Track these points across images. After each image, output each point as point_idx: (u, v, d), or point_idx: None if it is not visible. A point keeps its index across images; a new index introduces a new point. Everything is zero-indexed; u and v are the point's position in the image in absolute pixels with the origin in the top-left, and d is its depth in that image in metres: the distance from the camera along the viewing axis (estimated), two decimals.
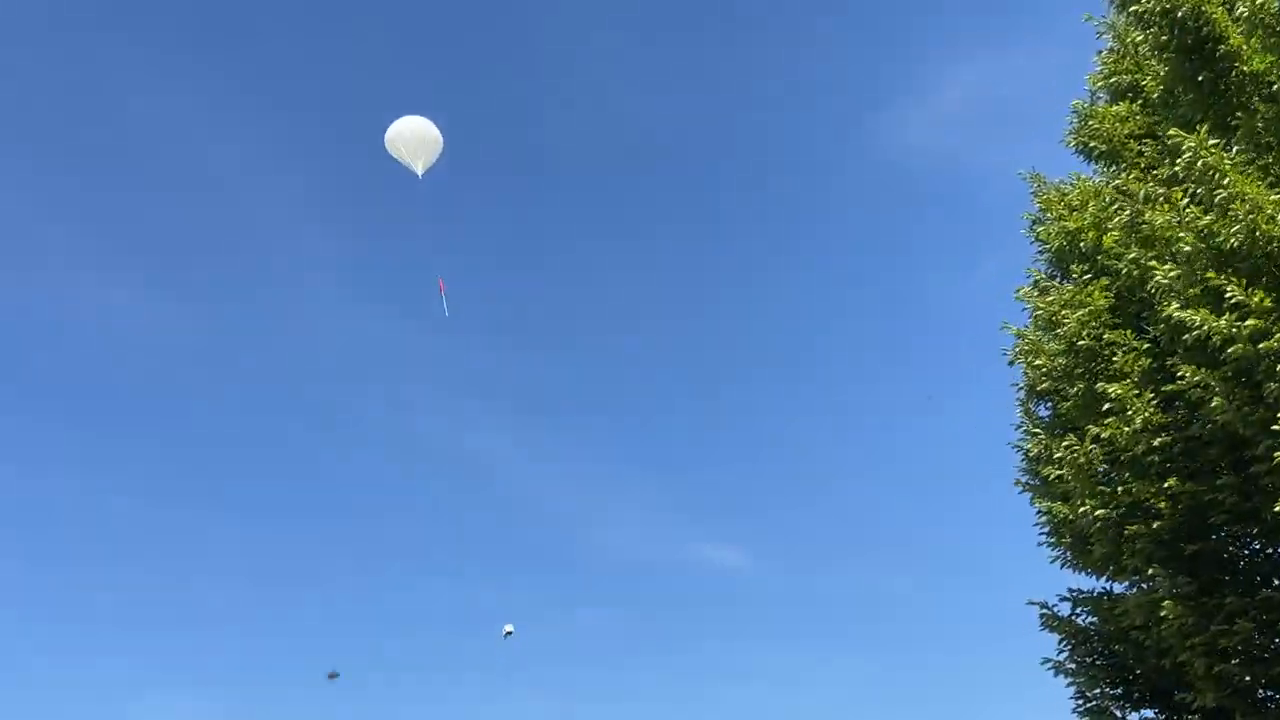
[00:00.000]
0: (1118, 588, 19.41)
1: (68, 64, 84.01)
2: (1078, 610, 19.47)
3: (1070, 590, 19.59)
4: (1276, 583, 17.27)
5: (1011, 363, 20.09)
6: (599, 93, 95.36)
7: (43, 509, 78.10)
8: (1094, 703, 19.01)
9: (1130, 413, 17.17)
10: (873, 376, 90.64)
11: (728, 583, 77.42)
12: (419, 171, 30.06)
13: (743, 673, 69.57)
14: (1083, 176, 20.63)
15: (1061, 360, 18.43)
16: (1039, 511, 19.49)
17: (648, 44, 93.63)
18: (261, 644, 73.72)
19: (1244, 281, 15.67)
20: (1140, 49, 19.36)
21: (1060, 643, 19.44)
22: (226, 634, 74.50)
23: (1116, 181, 19.16)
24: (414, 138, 29.94)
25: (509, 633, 34.10)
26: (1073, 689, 19.25)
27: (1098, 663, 19.07)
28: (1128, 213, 17.85)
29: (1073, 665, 19.23)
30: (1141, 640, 17.65)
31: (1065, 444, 17.88)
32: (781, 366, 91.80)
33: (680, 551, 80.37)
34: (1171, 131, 16.99)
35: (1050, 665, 19.36)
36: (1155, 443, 17.01)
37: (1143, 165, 19.15)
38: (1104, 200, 19.19)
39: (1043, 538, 19.79)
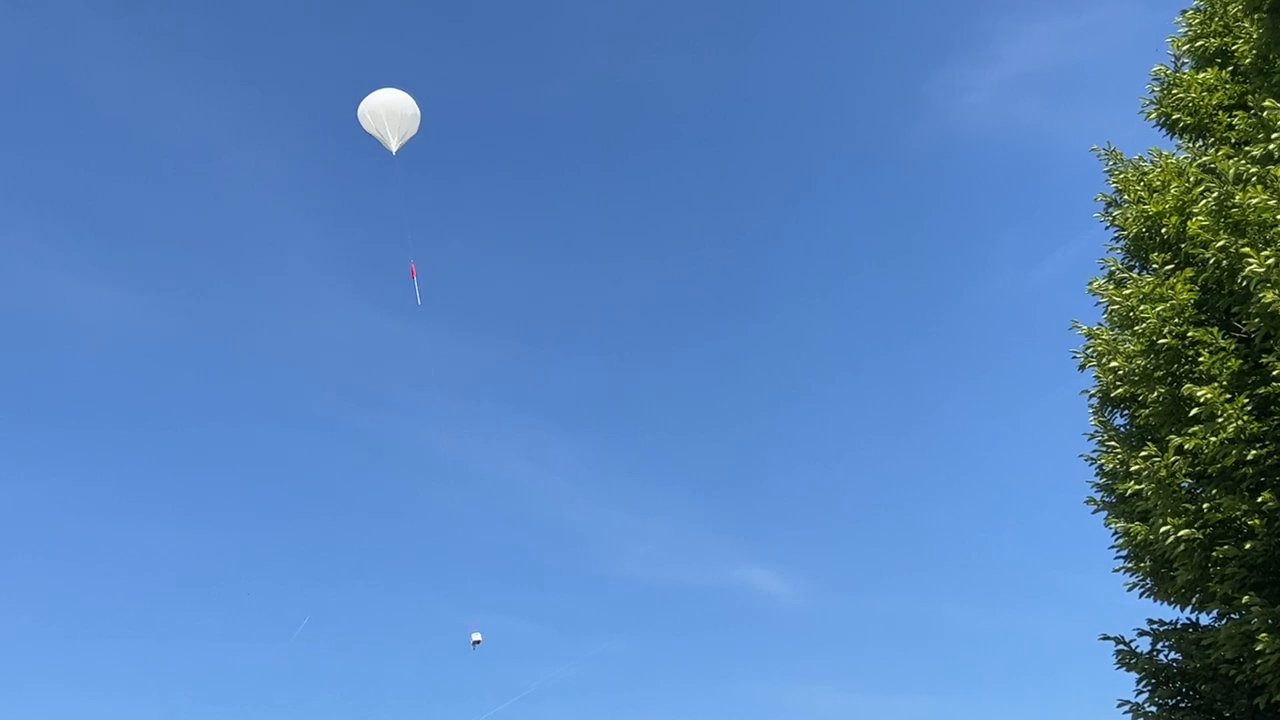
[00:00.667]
0: (1204, 619, 17.33)
1: (33, 48, 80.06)
2: (1159, 645, 17.33)
3: (1150, 622, 17.56)
4: None
5: (1083, 366, 17.90)
6: (621, 56, 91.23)
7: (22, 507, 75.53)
8: None
9: (1220, 420, 15.04)
10: (931, 383, 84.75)
11: (767, 609, 71.45)
12: (393, 148, 28.46)
13: (782, 710, 64.87)
14: (1165, 153, 18.47)
15: (1140, 361, 16.29)
16: (1115, 533, 17.36)
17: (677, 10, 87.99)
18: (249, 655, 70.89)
19: None
20: (1230, 9, 17.18)
21: (1139, 682, 17.32)
22: (203, 638, 71.39)
23: (1204, 159, 16.97)
24: (388, 111, 28.34)
25: (477, 641, 32.58)
26: None
27: (1182, 705, 16.87)
28: (1216, 194, 15.67)
29: (1153, 708, 17.08)
30: (1233, 677, 15.53)
31: (1144, 455, 15.68)
32: (828, 372, 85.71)
33: (714, 574, 74.09)
34: (1268, 102, 14.97)
35: (1128, 708, 17.20)
36: (1248, 454, 14.87)
37: (1233, 140, 17.02)
38: (1189, 180, 17.06)
39: (1119, 562, 17.66)
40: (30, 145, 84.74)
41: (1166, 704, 17.04)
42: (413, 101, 28.87)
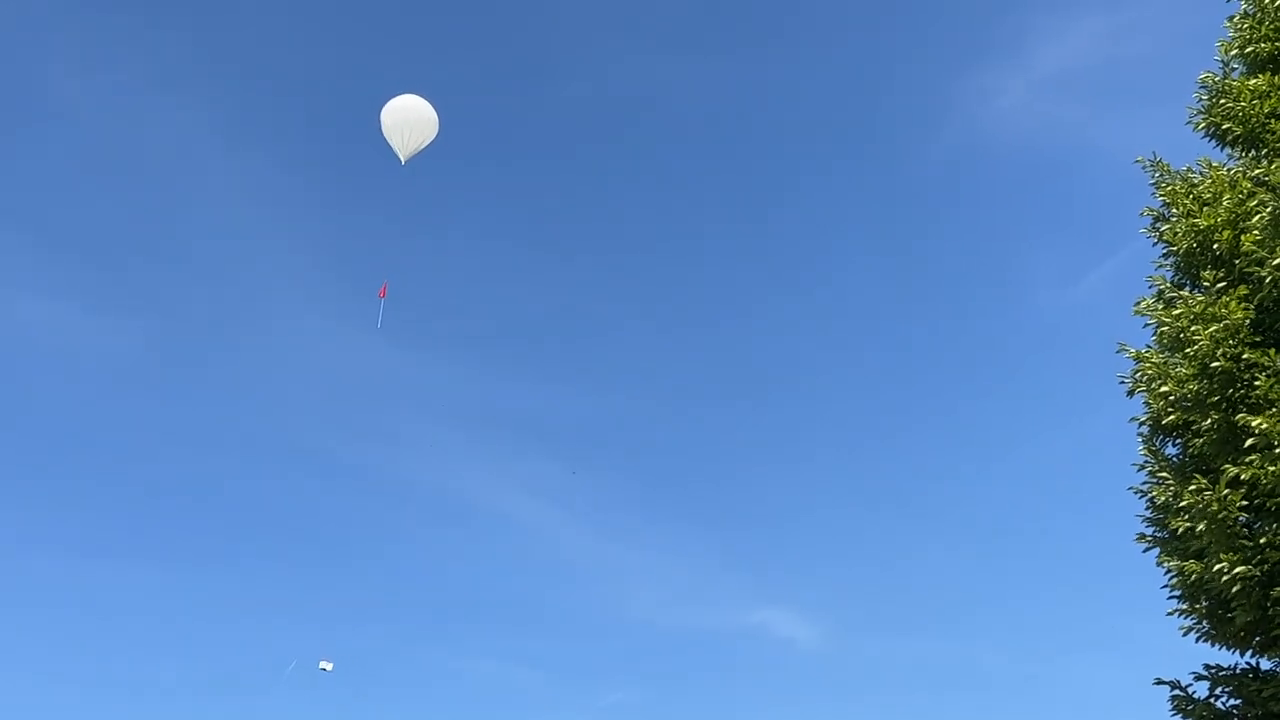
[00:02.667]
0: (1265, 663, 15.72)
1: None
2: (1217, 690, 15.71)
3: (1207, 667, 15.90)
4: None
5: (1131, 392, 16.42)
6: (638, 60, 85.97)
7: None
8: None
9: (1278, 449, 13.51)
10: (962, 412, 79.39)
11: (786, 653, 66.76)
12: (403, 157, 27.65)
13: None
14: (1215, 164, 17.01)
15: (1192, 386, 14.80)
16: (1167, 571, 15.80)
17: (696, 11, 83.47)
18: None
19: None
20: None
21: None
22: (159, 703, 63.27)
23: (1257, 171, 15.51)
24: (410, 122, 27.60)
25: (325, 669, 31.31)
26: None
27: None
28: (1271, 208, 14.25)
29: None
30: None
31: (1194, 489, 14.21)
32: (847, 399, 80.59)
33: (729, 616, 68.52)
34: None
35: None
36: None
37: None
38: (1242, 193, 15.60)
39: (1173, 602, 16.09)
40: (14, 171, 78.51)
41: None
42: (434, 114, 28.02)
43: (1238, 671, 15.87)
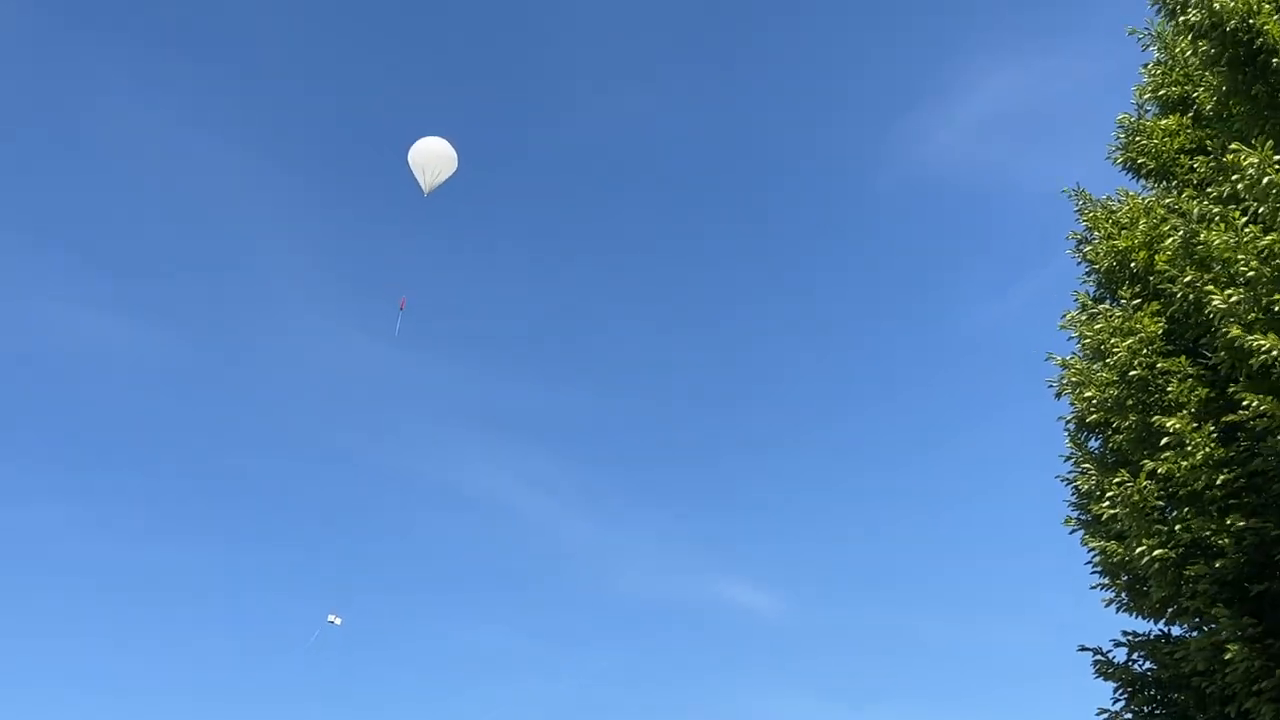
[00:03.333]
0: (1175, 630, 17.59)
1: (44, 81, 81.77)
2: (1134, 655, 17.56)
3: (1124, 634, 17.73)
4: None
5: (1059, 395, 18.21)
6: (613, 103, 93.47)
7: (18, 537, 75.01)
8: None
9: (1189, 447, 15.36)
10: (905, 410, 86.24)
11: (748, 622, 72.33)
12: (425, 189, 29.86)
13: (763, 718, 65.48)
14: (1131, 193, 18.80)
15: (1113, 391, 16.56)
16: (1090, 551, 17.61)
17: (661, 54, 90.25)
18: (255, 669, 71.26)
19: None
20: (1191, 60, 17.54)
21: (1116, 690, 17.51)
22: (196, 670, 71.16)
23: (1169, 200, 17.34)
24: (434, 159, 29.89)
25: (333, 623, 33.25)
26: None
27: (1156, 712, 17.11)
28: (1182, 232, 16.00)
29: (1129, 716, 17.30)
30: (1204, 687, 15.78)
31: (1118, 480, 16.00)
32: (807, 397, 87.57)
33: (698, 589, 75.57)
34: (1234, 146, 15.26)
35: (1106, 716, 17.43)
36: (1217, 479, 15.18)
37: (1195, 182, 17.33)
38: (1155, 218, 17.40)
39: (1095, 579, 17.94)
40: (43, 180, 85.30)
41: (1142, 711, 17.30)
42: (454, 153, 30.36)
43: (1151, 638, 17.67)
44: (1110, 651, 17.63)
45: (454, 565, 79.28)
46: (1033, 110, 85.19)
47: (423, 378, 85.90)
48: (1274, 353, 13.94)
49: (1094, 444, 18.51)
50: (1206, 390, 15.72)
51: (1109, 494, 16.22)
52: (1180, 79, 18.36)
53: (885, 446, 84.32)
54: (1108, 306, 17.45)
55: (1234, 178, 15.29)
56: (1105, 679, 17.56)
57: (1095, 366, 17.30)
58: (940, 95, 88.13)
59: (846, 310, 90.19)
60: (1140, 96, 19.00)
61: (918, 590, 73.49)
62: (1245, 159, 14.84)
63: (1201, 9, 16.06)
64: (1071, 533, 18.15)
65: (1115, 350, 16.44)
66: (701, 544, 79.59)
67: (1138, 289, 17.22)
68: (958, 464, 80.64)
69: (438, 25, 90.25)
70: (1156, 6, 17.95)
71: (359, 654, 72.09)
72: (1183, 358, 16.03)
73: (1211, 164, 16.46)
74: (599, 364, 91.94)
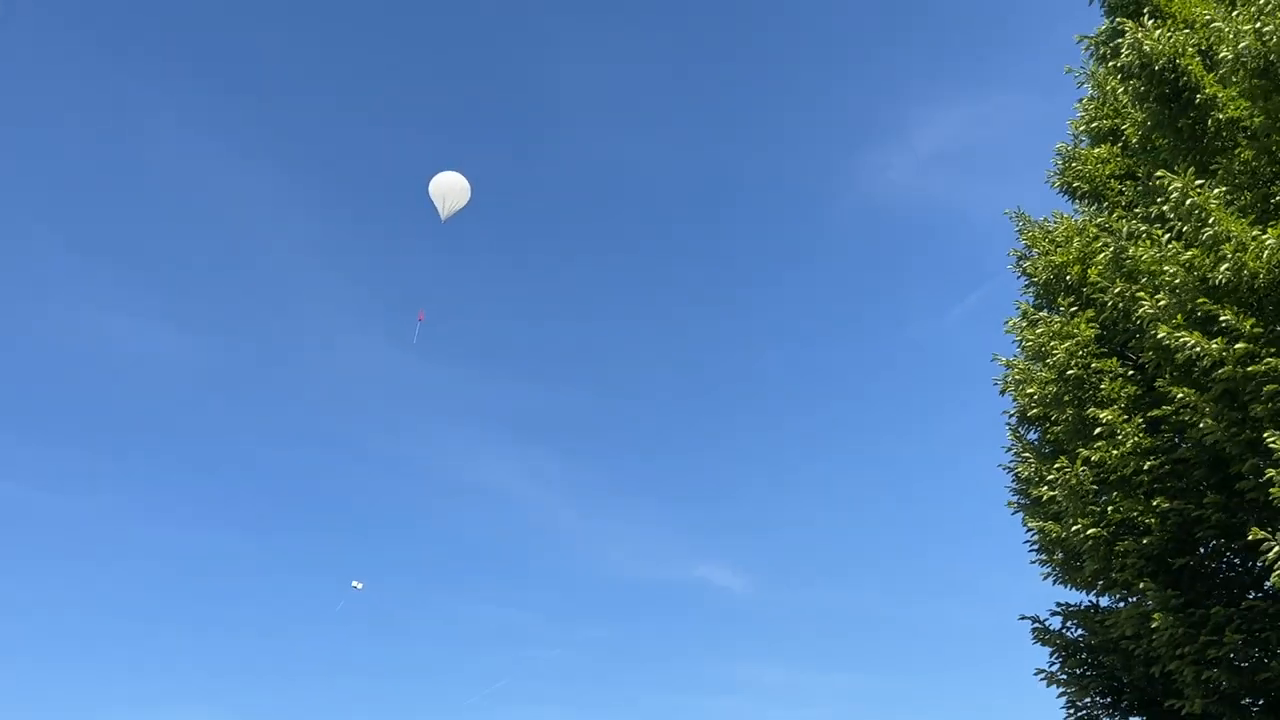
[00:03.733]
0: (1104, 601, 19.36)
1: (85, 100, 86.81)
2: (1067, 624, 19.33)
3: (1059, 604, 19.47)
4: (1260, 594, 17.14)
5: (1003, 392, 19.99)
6: (595, 141, 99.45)
7: (58, 527, 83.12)
8: (1084, 711, 18.86)
9: (1120, 436, 17.11)
10: (862, 411, 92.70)
11: (723, 600, 79.28)
12: (443, 216, 33.01)
13: (737, 687, 70.44)
14: (1064, 215, 20.62)
15: (1051, 388, 18.27)
16: (1030, 530, 19.36)
17: (646, 94, 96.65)
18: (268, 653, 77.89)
19: (1233, 309, 15.63)
20: (1120, 97, 19.39)
21: (1051, 655, 19.28)
22: (236, 643, 79.31)
23: (1100, 220, 19.12)
24: (451, 190, 33.16)
25: (356, 588, 35.46)
26: (1064, 699, 19.10)
27: (1088, 674, 18.88)
28: (1112, 248, 17.76)
29: (1064, 676, 19.05)
30: (1131, 650, 17.49)
31: (1057, 466, 17.73)
32: (777, 398, 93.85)
33: (679, 571, 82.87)
34: (1159, 172, 16.81)
35: (1043, 676, 19.19)
36: (1144, 465, 16.94)
37: (1123, 204, 19.16)
38: (1088, 236, 19.18)
39: (1034, 555, 19.68)
40: (97, 207, 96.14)
41: (1075, 673, 19.05)
42: (467, 185, 33.17)
43: (1083, 608, 19.45)
44: (1047, 620, 19.42)
45: (461, 549, 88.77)
46: (974, 147, 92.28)
47: (433, 380, 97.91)
48: (1197, 348, 15.66)
49: (1032, 436, 20.28)
50: (1135, 388, 17.48)
51: (1049, 479, 17.91)
52: (1110, 113, 20.17)
53: (845, 441, 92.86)
54: (1047, 314, 19.06)
55: (1159, 200, 17.03)
56: (1042, 644, 19.33)
57: (1035, 367, 19.02)
58: (894, 132, 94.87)
59: (809, 320, 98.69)
60: (1075, 129, 20.82)
61: (875, 571, 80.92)
62: (1170, 183, 16.59)
63: (1133, 52, 17.81)
64: (1014, 514, 19.93)
65: (1055, 352, 18.07)
66: (682, 530, 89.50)
67: (1073, 299, 18.87)
68: (909, 457, 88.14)
69: (457, 69, 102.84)
70: (1090, 51, 19.78)
71: (377, 627, 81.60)
72: (1114, 359, 17.74)
73: (1139, 188, 18.28)
74: (592, 368, 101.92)
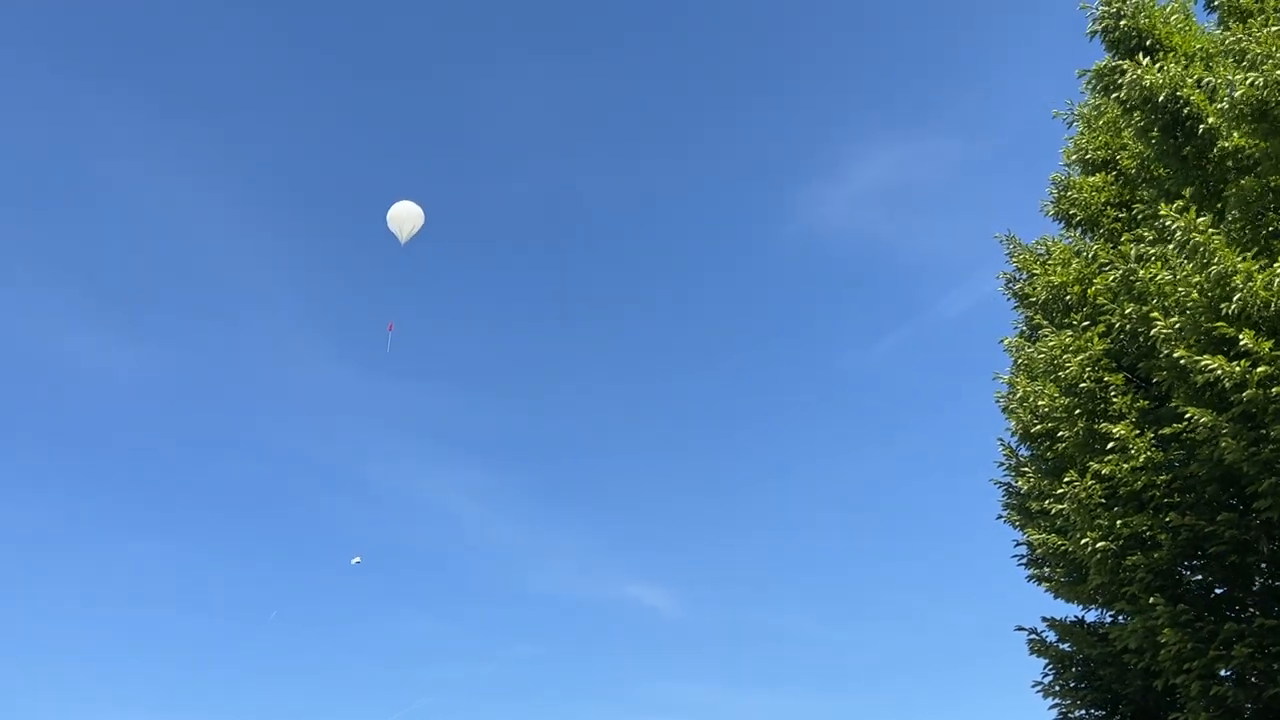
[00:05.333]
0: (1089, 616, 18.96)
1: (36, 114, 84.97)
2: (1058, 637, 18.81)
3: (1044, 619, 18.99)
4: (1274, 610, 16.76)
5: (1006, 410, 19.39)
6: (536, 170, 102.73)
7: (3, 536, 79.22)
8: None
9: (1132, 450, 16.61)
10: (790, 435, 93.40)
11: (651, 620, 79.45)
12: (402, 241, 34.72)
13: (665, 706, 70.42)
14: (1053, 239, 20.29)
15: (1062, 401, 17.69)
16: (1032, 543, 18.84)
17: (595, 128, 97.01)
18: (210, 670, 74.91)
19: (1252, 333, 15.27)
20: (1113, 126, 19.13)
21: (1046, 667, 18.74)
22: (167, 651, 76.26)
23: (1096, 245, 18.78)
24: (406, 217, 34.76)
25: (357, 561, 38.68)
26: (1056, 711, 18.58)
27: (1082, 686, 18.37)
28: (1121, 270, 17.35)
29: (1058, 688, 18.51)
30: (1134, 664, 16.97)
31: (1066, 480, 17.11)
32: (706, 422, 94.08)
33: (609, 590, 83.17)
34: (1162, 210, 16.48)
35: (1038, 688, 18.64)
36: (1157, 479, 16.46)
37: (1118, 230, 18.85)
38: (1086, 259, 18.82)
39: (1026, 568, 19.22)
40: (51, 224, 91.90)
41: (1068, 686, 18.57)
42: (421, 212, 35.19)
43: (1068, 622, 19.05)
44: (1043, 632, 18.90)
45: (390, 562, 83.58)
46: (905, 185, 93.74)
47: (368, 394, 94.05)
48: (1217, 371, 15.31)
49: (1024, 451, 19.79)
50: (1146, 402, 17.06)
51: (1058, 491, 17.34)
52: (1102, 144, 19.89)
53: (776, 464, 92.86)
54: (1052, 330, 18.58)
55: (1166, 236, 16.63)
56: (1039, 656, 18.79)
57: (1036, 385, 18.40)
58: (830, 170, 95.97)
59: (743, 347, 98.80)
60: (1067, 158, 20.41)
61: (804, 592, 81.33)
62: (1174, 223, 16.15)
63: (1134, 88, 17.54)
64: (1016, 528, 19.41)
65: (1067, 365, 17.55)
66: (612, 549, 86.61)
67: (1079, 316, 18.38)
68: (838, 481, 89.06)
69: (413, 103, 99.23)
70: (1092, 85, 19.44)
71: (306, 638, 78.70)
72: (1122, 375, 17.35)
73: (1147, 211, 17.89)
74: (525, 384, 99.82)
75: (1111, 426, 16.76)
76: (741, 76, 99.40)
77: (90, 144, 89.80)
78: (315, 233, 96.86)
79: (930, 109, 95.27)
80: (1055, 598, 18.94)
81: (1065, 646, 18.74)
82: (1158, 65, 17.53)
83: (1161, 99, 17.30)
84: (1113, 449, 16.84)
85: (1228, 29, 17.53)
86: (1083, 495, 16.90)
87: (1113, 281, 17.62)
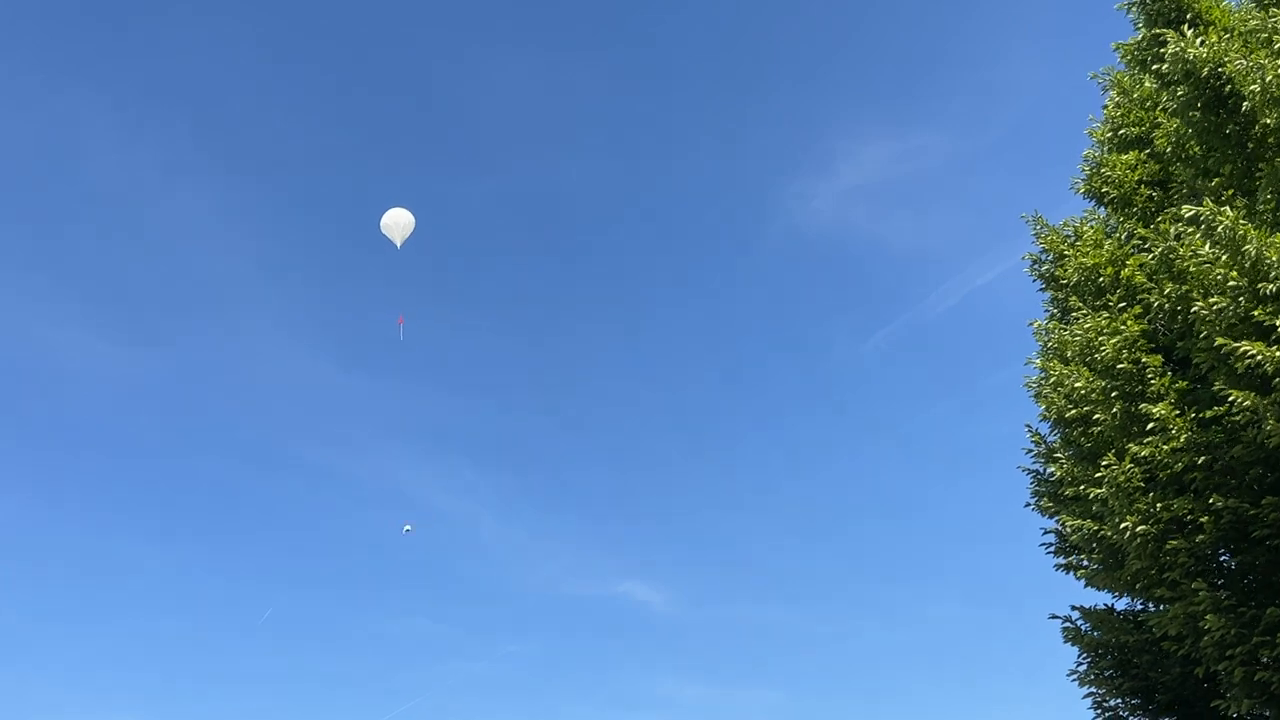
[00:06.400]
0: (1120, 604, 18.14)
1: (19, 110, 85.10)
2: (1088, 625, 17.96)
3: (1073, 607, 18.17)
4: None
5: (1037, 395, 18.44)
6: (527, 169, 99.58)
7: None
8: (1111, 712, 17.49)
9: (1173, 431, 15.71)
10: (781, 432, 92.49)
11: (642, 616, 78.62)
12: (398, 244, 35.90)
13: (657, 703, 69.72)
14: (1081, 219, 19.41)
15: (1099, 384, 16.76)
16: (1055, 531, 18.03)
17: (587, 124, 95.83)
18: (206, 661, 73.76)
19: None
20: (1149, 101, 18.25)
21: (1080, 655, 17.87)
22: (157, 651, 74.36)
23: (1129, 224, 17.90)
24: (399, 223, 35.71)
25: (408, 530, 39.18)
26: (1090, 699, 17.71)
27: (1116, 675, 17.50)
28: (1160, 250, 16.44)
29: (1093, 676, 17.64)
30: (1174, 651, 16.14)
31: (1105, 463, 16.21)
32: (696, 422, 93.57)
33: (601, 587, 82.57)
34: (1185, 208, 15.73)
35: (1074, 676, 17.78)
36: (1198, 461, 15.55)
37: (1151, 209, 17.98)
38: (1119, 239, 17.95)
39: (1055, 556, 18.33)
40: (44, 225, 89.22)
41: (1103, 674, 17.70)
42: (412, 217, 36.29)
43: (1095, 610, 18.19)
44: (1078, 620, 18.02)
45: (384, 561, 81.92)
46: (895, 182, 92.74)
47: (360, 393, 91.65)
48: (1259, 357, 14.42)
49: (1052, 438, 18.88)
50: (1184, 383, 16.16)
51: (1096, 476, 16.46)
52: (1135, 120, 18.97)
53: (767, 461, 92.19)
54: (1087, 312, 17.64)
55: (1205, 229, 15.71)
56: (1073, 645, 17.93)
57: (1070, 368, 17.43)
58: (820, 165, 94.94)
59: (733, 344, 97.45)
60: (1100, 136, 19.43)
61: (796, 589, 79.60)
62: (1218, 219, 15.10)
63: (1176, 61, 16.63)
64: (1046, 516, 18.53)
65: (1103, 347, 16.67)
66: (605, 546, 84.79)
67: (1114, 297, 17.42)
68: (831, 477, 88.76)
69: (407, 104, 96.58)
70: (1126, 61, 18.55)
71: (299, 638, 76.48)
72: (1159, 357, 16.43)
73: (1184, 190, 17.02)
74: (518, 383, 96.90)
75: (1152, 407, 15.84)
76: (730, 74, 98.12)
77: (85, 145, 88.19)
78: (308, 234, 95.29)
79: (919, 105, 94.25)
80: (1086, 586, 18.01)
81: (1099, 635, 17.85)
82: (1199, 40, 16.66)
83: (1204, 74, 16.41)
84: (1153, 430, 15.92)
85: (1266, 10, 16.73)
86: (1121, 478, 16.02)
87: (1151, 260, 16.73)
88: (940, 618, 71.89)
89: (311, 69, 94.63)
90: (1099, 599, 18.50)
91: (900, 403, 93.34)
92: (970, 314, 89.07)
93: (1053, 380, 17.56)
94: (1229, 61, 16.16)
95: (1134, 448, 15.96)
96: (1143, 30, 17.94)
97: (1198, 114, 16.71)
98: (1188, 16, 17.33)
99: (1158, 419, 15.82)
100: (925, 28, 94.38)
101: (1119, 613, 17.98)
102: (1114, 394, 16.55)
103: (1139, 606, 18.00)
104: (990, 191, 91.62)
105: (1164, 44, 17.00)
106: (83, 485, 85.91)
